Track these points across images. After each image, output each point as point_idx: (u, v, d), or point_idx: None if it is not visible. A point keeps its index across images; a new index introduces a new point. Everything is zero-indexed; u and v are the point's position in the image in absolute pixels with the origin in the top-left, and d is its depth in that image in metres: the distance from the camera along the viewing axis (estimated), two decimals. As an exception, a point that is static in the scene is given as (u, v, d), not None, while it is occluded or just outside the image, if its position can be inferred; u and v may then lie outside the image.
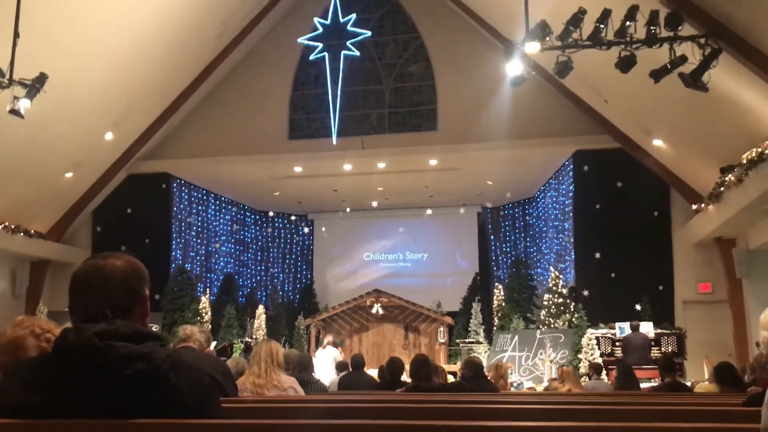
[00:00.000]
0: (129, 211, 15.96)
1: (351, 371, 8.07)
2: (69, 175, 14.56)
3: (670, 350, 12.29)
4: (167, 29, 13.27)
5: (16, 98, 8.97)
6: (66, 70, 11.49)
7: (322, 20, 15.78)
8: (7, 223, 13.92)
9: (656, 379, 10.15)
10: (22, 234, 14.44)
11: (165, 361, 1.62)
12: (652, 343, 12.33)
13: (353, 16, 15.65)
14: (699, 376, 11.50)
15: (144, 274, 1.84)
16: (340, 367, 9.96)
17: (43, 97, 9.14)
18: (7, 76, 8.59)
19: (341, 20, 15.66)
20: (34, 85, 8.91)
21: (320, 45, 15.71)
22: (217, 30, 14.60)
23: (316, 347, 15.99)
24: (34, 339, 2.51)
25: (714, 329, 13.12)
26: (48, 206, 15.04)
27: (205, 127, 16.01)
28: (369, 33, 15.68)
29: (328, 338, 13.44)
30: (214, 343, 13.42)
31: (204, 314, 15.34)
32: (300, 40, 15.82)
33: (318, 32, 15.76)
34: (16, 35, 8.76)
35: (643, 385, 9.15)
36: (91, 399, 1.60)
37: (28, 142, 12.57)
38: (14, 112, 9.07)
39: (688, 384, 8.61)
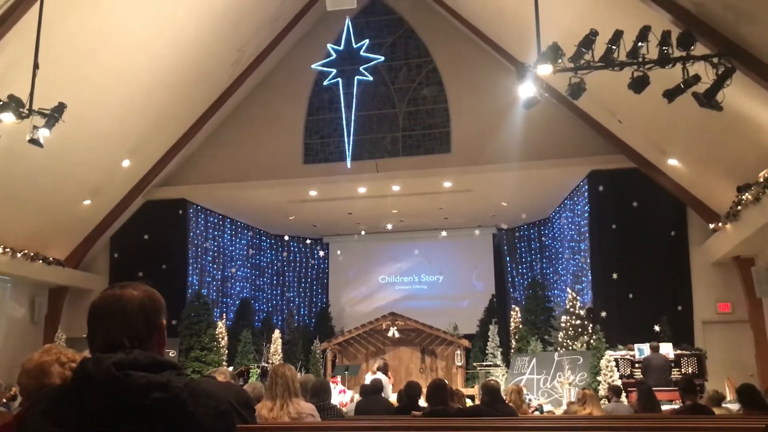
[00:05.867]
0: (146, 237, 16.07)
1: (368, 396, 8.01)
2: (87, 202, 14.72)
3: (690, 371, 12.10)
4: (183, 58, 13.47)
5: (35, 128, 9.08)
6: (84, 99, 11.68)
7: (335, 46, 15.95)
8: (26, 251, 14.07)
9: (677, 401, 10.01)
10: (40, 261, 14.59)
11: (182, 389, 1.63)
12: (672, 365, 12.17)
13: (366, 41, 15.82)
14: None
15: (161, 303, 1.85)
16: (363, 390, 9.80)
17: (61, 126, 9.27)
18: (27, 106, 8.71)
19: (354, 46, 15.83)
20: (53, 115, 9.02)
21: (334, 70, 15.88)
22: (233, 57, 14.79)
23: (333, 371, 15.94)
24: (59, 366, 2.56)
25: (735, 350, 12.94)
26: (66, 233, 15.20)
27: (220, 153, 16.16)
28: (382, 58, 15.82)
29: (378, 363, 13.13)
30: (229, 369, 13.42)
31: (220, 339, 15.35)
32: (314, 66, 16.00)
33: (331, 58, 15.94)
34: (36, 66, 8.91)
35: (663, 407, 9.02)
36: (111, 428, 1.61)
37: (46, 171, 12.74)
38: (34, 141, 9.18)
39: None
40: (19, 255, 13.87)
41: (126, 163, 14.64)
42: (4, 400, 7.77)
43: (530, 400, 11.37)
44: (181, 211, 16.28)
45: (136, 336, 1.75)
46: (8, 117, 8.59)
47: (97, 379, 1.62)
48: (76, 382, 1.68)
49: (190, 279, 16.22)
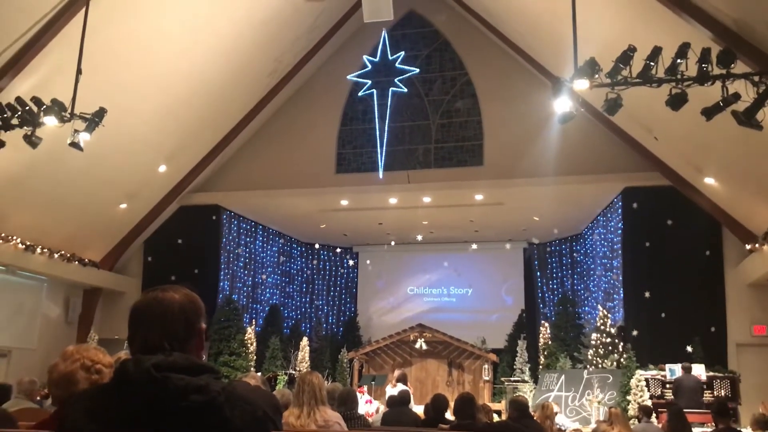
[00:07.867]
0: (179, 241, 16.28)
1: (395, 407, 7.99)
2: (123, 206, 14.98)
3: (723, 394, 11.87)
4: (222, 67, 13.66)
5: (76, 131, 9.27)
6: (124, 105, 11.91)
7: (371, 58, 16.05)
8: (63, 252, 14.37)
9: (709, 424, 9.82)
10: (76, 262, 14.88)
11: (220, 393, 1.65)
12: (704, 387, 11.93)
13: (401, 53, 15.90)
14: (755, 423, 11.06)
15: (201, 307, 1.87)
16: (391, 402, 9.75)
17: (101, 130, 9.45)
18: (69, 111, 8.92)
19: (390, 57, 15.92)
20: (94, 119, 9.18)
21: (369, 82, 15.97)
22: (270, 67, 14.97)
23: (359, 381, 15.94)
24: (85, 372, 2.59)
25: (771, 374, 12.66)
26: (102, 236, 15.47)
27: (255, 161, 16.33)
28: (417, 70, 15.88)
29: (397, 374, 12.94)
30: (259, 374, 13.49)
31: (249, 345, 15.44)
32: (349, 77, 16.13)
33: (367, 69, 16.05)
34: (79, 72, 9.13)
35: (695, 430, 8.86)
36: (148, 429, 1.64)
37: (85, 174, 13.01)
38: (74, 145, 9.36)
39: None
40: (56, 256, 14.17)
41: (162, 169, 14.87)
42: (38, 398, 7.91)
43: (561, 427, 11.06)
44: (214, 217, 16.47)
45: (176, 339, 1.77)
46: (51, 120, 8.80)
47: (136, 380, 1.65)
48: (115, 381, 1.72)
49: (222, 284, 16.38)
